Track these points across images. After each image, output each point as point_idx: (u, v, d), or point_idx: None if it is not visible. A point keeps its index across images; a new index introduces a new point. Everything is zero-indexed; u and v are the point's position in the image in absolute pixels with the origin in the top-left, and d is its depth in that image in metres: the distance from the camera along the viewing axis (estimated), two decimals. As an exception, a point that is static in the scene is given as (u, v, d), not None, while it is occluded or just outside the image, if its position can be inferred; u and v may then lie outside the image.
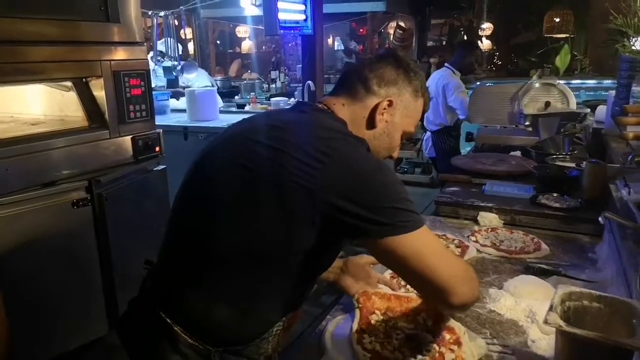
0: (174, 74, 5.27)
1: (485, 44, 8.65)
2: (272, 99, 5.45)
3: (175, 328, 0.97)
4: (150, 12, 5.15)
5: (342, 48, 10.18)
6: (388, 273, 1.41)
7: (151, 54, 5.20)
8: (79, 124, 2.22)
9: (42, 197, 1.97)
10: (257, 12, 5.15)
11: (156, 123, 2.49)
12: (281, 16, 3.77)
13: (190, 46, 8.12)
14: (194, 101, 4.28)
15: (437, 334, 1.09)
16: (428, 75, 4.78)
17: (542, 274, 1.41)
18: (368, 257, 1.30)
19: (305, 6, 4.12)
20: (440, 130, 4.34)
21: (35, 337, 1.99)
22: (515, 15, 9.45)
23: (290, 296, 1.02)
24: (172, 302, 1.00)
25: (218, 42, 10.55)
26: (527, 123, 3.07)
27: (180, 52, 5.60)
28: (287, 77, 7.08)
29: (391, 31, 8.90)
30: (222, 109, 4.86)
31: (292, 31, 4.19)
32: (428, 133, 4.55)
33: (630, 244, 1.26)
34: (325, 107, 1.06)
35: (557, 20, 7.29)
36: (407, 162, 6.12)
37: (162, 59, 5.30)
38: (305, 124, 1.00)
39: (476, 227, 1.80)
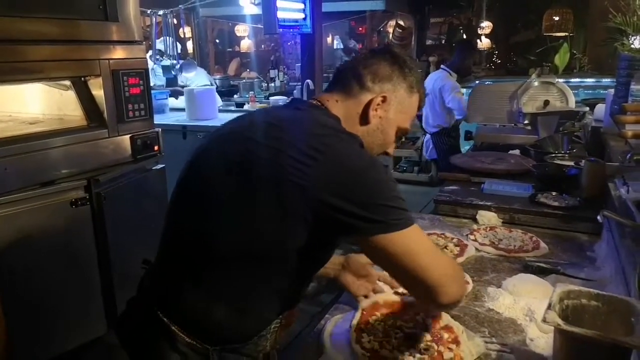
0: (173, 72, 5.27)
1: (484, 43, 8.64)
2: (271, 98, 5.45)
3: (173, 327, 0.97)
4: (149, 11, 5.14)
5: (342, 47, 10.18)
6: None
7: (150, 52, 5.20)
8: (77, 123, 2.22)
9: (40, 197, 1.97)
10: (256, 10, 5.15)
11: (155, 122, 2.49)
12: (280, 15, 3.77)
13: (189, 45, 8.09)
14: (193, 100, 4.28)
15: (429, 329, 1.10)
16: (427, 75, 4.78)
17: (541, 272, 1.41)
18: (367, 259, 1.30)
19: (305, 5, 4.11)
20: (439, 132, 4.36)
21: (33, 337, 1.99)
22: (515, 13, 9.45)
23: (287, 294, 1.02)
24: (170, 301, 1.00)
25: (217, 40, 10.54)
26: (526, 122, 3.07)
27: (179, 51, 5.59)
28: (286, 76, 7.06)
29: (390, 30, 8.88)
30: (221, 108, 4.86)
31: (291, 30, 4.18)
32: (428, 135, 4.56)
33: (628, 243, 1.26)
34: (320, 104, 1.06)
35: (557, 18, 7.29)
36: (406, 161, 6.12)
37: (161, 58, 5.29)
38: (300, 121, 1.00)
39: (475, 226, 1.80)
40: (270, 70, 6.98)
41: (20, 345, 1.88)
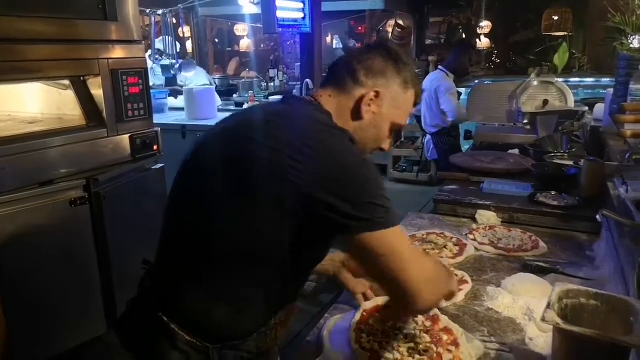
0: (172, 72, 5.26)
1: (483, 42, 8.65)
2: (270, 97, 5.44)
3: (172, 326, 0.97)
4: (148, 10, 5.14)
5: (341, 46, 10.18)
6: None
7: (149, 52, 5.19)
8: (76, 123, 2.22)
9: (39, 196, 1.97)
10: (256, 10, 5.15)
11: (154, 121, 2.48)
12: (279, 14, 3.77)
13: (189, 44, 8.09)
14: (192, 99, 4.28)
15: (428, 330, 1.10)
16: (426, 74, 4.79)
17: (540, 271, 1.41)
18: None
19: (304, 4, 4.11)
20: (439, 132, 4.36)
21: (33, 336, 1.98)
22: (514, 13, 9.45)
23: (284, 291, 1.03)
24: (169, 300, 1.00)
25: (216, 40, 10.52)
26: (525, 121, 3.07)
27: (178, 50, 5.58)
28: (285, 76, 7.05)
29: (390, 29, 8.89)
30: (220, 107, 4.86)
31: (291, 29, 4.19)
32: (428, 136, 4.57)
33: (627, 242, 1.26)
34: (313, 99, 1.06)
35: (556, 18, 7.30)
36: (405, 160, 6.12)
37: (160, 57, 5.28)
38: (293, 117, 1.00)
39: (474, 225, 1.80)
40: (270, 70, 6.97)
41: (19, 344, 1.88)
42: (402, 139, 6.27)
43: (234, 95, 5.95)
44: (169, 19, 5.37)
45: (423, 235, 1.69)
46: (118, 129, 2.27)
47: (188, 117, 4.26)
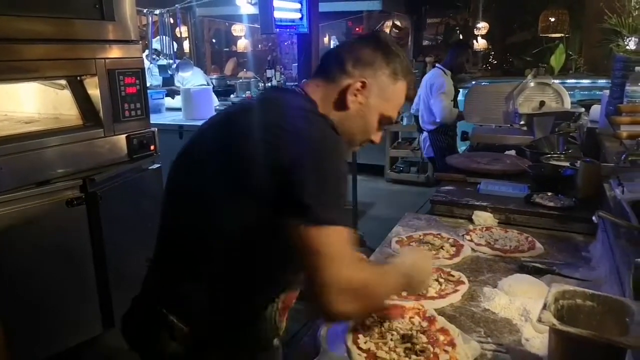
0: (169, 72, 5.25)
1: (480, 44, 8.65)
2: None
3: (171, 317, 0.98)
4: (145, 10, 5.13)
5: (338, 47, 10.15)
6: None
7: (146, 52, 5.18)
8: (73, 123, 2.21)
9: (36, 196, 1.97)
10: (253, 10, 5.14)
11: (151, 122, 2.49)
12: (277, 15, 3.76)
13: (186, 44, 8.07)
14: (189, 100, 4.27)
15: (425, 331, 1.09)
16: (423, 74, 4.81)
17: (536, 272, 1.41)
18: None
19: (301, 5, 4.11)
20: (436, 130, 4.37)
21: (30, 336, 1.98)
22: (511, 14, 9.46)
23: (279, 277, 1.03)
24: (166, 292, 1.02)
25: (214, 40, 10.51)
26: (522, 122, 3.07)
27: (175, 51, 5.58)
28: (282, 76, 7.04)
29: (387, 30, 8.90)
30: (217, 107, 4.84)
31: (288, 30, 4.17)
32: (425, 133, 4.57)
33: (623, 243, 1.26)
34: (300, 89, 1.07)
35: (553, 19, 7.31)
36: (402, 161, 6.13)
37: (158, 58, 5.28)
38: (272, 104, 1.00)
39: (471, 226, 1.80)
40: (267, 70, 6.96)
41: (17, 344, 1.88)
42: (400, 140, 6.27)
43: (232, 95, 5.94)
44: (166, 19, 5.37)
45: (420, 236, 1.69)
46: (115, 129, 2.26)
47: (185, 118, 4.25)
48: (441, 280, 1.36)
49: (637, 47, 2.10)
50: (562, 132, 2.93)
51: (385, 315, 1.13)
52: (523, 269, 1.45)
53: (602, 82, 5.68)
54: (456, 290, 1.31)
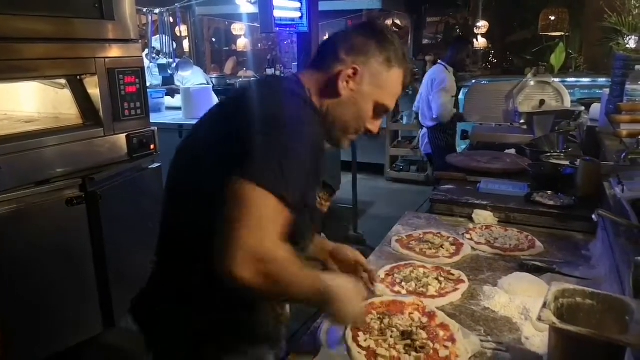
0: (169, 71, 5.25)
1: (480, 42, 8.65)
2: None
3: (175, 310, 1.00)
4: (145, 9, 5.13)
5: (338, 46, 10.13)
6: (383, 271, 1.42)
7: (146, 51, 5.18)
8: (73, 122, 2.21)
9: (35, 196, 1.96)
10: (253, 9, 5.13)
11: (151, 121, 2.49)
12: (277, 14, 3.76)
13: (186, 44, 8.07)
14: (189, 99, 4.27)
15: (425, 327, 1.10)
16: (424, 73, 4.81)
17: (536, 271, 1.41)
18: (355, 255, 1.30)
19: (301, 4, 4.10)
20: (435, 127, 4.37)
21: (30, 335, 1.98)
22: (511, 13, 9.46)
23: None
24: (169, 288, 1.03)
25: (213, 39, 10.49)
26: (522, 121, 3.07)
27: (175, 50, 5.57)
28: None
29: (387, 29, 8.88)
30: (217, 106, 4.84)
31: (288, 29, 4.17)
32: (424, 129, 4.57)
33: (623, 241, 1.26)
34: (293, 76, 1.08)
35: (553, 18, 7.30)
36: (402, 160, 6.13)
37: (157, 57, 5.27)
38: (264, 90, 1.03)
39: (471, 225, 1.80)
40: (267, 69, 6.96)
41: (16, 343, 1.88)
42: (400, 139, 6.27)
43: (231, 94, 5.93)
44: (166, 18, 5.36)
45: (420, 235, 1.69)
46: (115, 129, 2.26)
47: (185, 117, 4.25)
48: (441, 279, 1.37)
49: (637, 46, 2.10)
50: (562, 130, 2.93)
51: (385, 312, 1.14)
52: (523, 267, 1.45)
53: (602, 80, 5.68)
54: (456, 289, 1.31)
